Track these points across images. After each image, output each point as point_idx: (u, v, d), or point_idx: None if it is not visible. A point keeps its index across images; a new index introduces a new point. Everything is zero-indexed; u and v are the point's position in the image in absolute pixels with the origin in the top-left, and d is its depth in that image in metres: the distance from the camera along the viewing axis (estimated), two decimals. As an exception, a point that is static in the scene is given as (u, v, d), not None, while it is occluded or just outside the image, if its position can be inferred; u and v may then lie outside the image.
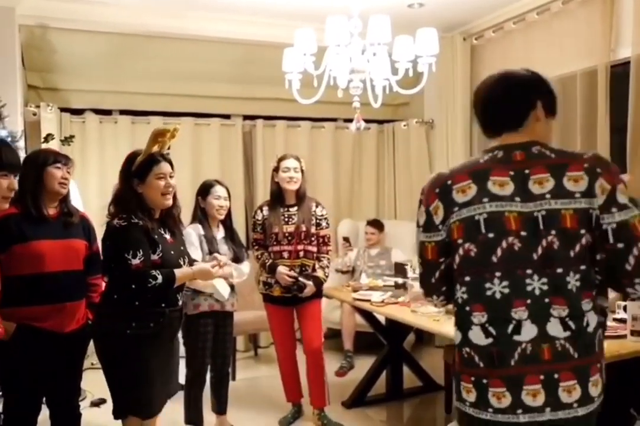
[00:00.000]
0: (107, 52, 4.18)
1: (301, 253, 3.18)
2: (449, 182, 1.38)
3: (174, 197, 2.27)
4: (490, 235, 1.30)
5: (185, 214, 4.49)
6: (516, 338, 1.29)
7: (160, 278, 2.05)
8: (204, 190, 3.03)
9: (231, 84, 4.66)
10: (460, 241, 1.34)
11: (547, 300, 1.29)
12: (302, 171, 3.18)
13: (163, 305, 2.14)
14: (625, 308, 2.32)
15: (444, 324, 2.68)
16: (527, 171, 1.33)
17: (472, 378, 1.32)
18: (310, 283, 3.14)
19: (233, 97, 4.72)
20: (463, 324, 1.35)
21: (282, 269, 3.12)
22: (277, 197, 3.22)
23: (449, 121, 4.60)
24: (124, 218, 2.10)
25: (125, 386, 2.11)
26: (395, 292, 3.36)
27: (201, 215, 3.01)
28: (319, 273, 3.19)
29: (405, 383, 3.70)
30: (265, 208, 3.25)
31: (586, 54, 3.51)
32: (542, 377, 1.29)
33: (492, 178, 1.33)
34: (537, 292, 1.29)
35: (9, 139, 2.93)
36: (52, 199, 2.26)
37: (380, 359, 3.63)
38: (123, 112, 4.48)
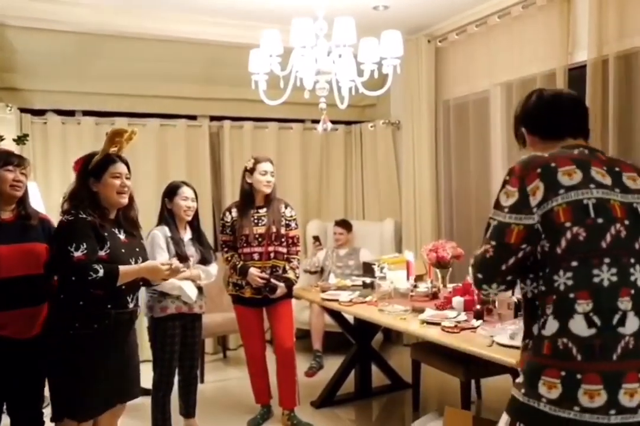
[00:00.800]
0: (69, 51, 4.10)
1: (272, 254, 3.18)
2: (553, 164, 1.32)
3: (131, 200, 2.30)
4: (600, 220, 1.27)
5: (151, 215, 4.47)
6: (620, 330, 1.23)
7: (101, 272, 2.04)
8: (171, 191, 3.01)
9: (197, 84, 4.62)
10: (568, 224, 1.26)
11: None
12: (273, 174, 3.21)
13: (109, 306, 2.12)
14: None
15: (410, 323, 2.72)
16: (617, 169, 1.38)
17: (563, 373, 1.22)
18: (281, 284, 3.15)
19: (199, 97, 4.68)
20: (563, 312, 1.24)
21: (253, 271, 3.12)
22: (248, 198, 3.21)
23: (415, 122, 4.66)
24: (72, 214, 2.12)
25: (63, 387, 2.09)
26: (363, 291, 3.39)
27: (168, 217, 2.99)
28: (290, 274, 3.20)
29: (374, 382, 3.74)
30: (234, 210, 3.24)
31: (545, 57, 3.60)
32: None
33: (594, 168, 1.34)
34: (639, 283, 1.27)
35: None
36: (7, 202, 2.22)
37: (349, 358, 3.66)
38: (86, 113, 4.40)
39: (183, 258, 2.94)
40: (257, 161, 3.19)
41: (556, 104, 1.48)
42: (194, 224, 3.07)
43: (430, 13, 4.19)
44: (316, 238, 4.31)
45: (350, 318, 3.60)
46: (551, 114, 1.48)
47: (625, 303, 1.24)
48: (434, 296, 3.10)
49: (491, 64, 4.02)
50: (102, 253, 2.11)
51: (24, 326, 2.17)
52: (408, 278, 3.31)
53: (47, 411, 2.48)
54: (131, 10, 3.92)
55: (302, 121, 5.10)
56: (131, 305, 2.23)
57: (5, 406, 2.27)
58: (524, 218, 1.30)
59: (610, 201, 1.30)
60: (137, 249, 2.29)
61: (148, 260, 2.33)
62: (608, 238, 1.27)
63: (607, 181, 1.34)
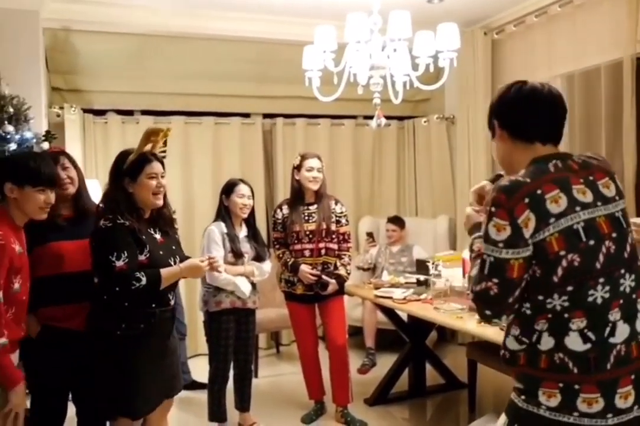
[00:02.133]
0: (127, 53, 4.23)
1: (323, 251, 3.18)
2: (539, 192, 1.28)
3: (165, 197, 2.25)
4: (591, 242, 1.28)
5: (207, 211, 4.57)
6: (612, 340, 1.28)
7: (144, 280, 2.02)
8: (228, 189, 3.05)
9: (251, 82, 4.67)
10: (562, 252, 1.26)
11: (634, 296, 1.32)
12: (322, 171, 3.20)
13: (153, 305, 2.11)
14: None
15: (467, 322, 2.67)
16: (591, 178, 1.35)
17: (560, 384, 1.27)
18: (333, 281, 3.15)
19: (253, 95, 4.73)
20: (558, 330, 1.28)
21: (304, 268, 3.13)
22: (298, 195, 3.22)
23: (470, 117, 4.56)
24: (109, 219, 2.07)
25: (115, 387, 2.09)
26: (417, 289, 3.34)
27: (225, 213, 3.03)
28: (341, 271, 3.19)
29: (428, 381, 3.68)
30: (284, 207, 3.26)
31: (610, 46, 3.44)
32: (632, 377, 1.29)
33: (574, 187, 1.31)
34: (627, 290, 1.31)
35: (34, 141, 2.97)
36: (61, 199, 2.23)
37: (403, 356, 3.62)
38: (145, 112, 4.52)
39: (238, 254, 2.98)
40: (303, 158, 3.20)
41: (532, 102, 1.38)
42: (250, 221, 3.09)
43: (486, 4, 4.09)
44: (370, 235, 4.28)
45: (403, 316, 3.56)
46: (525, 113, 1.38)
47: (614, 314, 1.28)
48: (491, 294, 3.02)
49: (551, 55, 3.88)
50: (142, 257, 2.08)
51: (85, 318, 2.24)
52: (464, 276, 3.24)
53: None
54: (186, 11, 4.00)
55: (354, 117, 5.07)
56: (172, 302, 2.22)
57: (71, 396, 2.35)
58: (521, 251, 1.27)
59: (596, 219, 1.30)
60: (174, 248, 2.26)
61: (185, 258, 2.30)
62: (601, 258, 1.28)
63: (589, 197, 1.31)
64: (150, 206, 2.19)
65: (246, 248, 3.03)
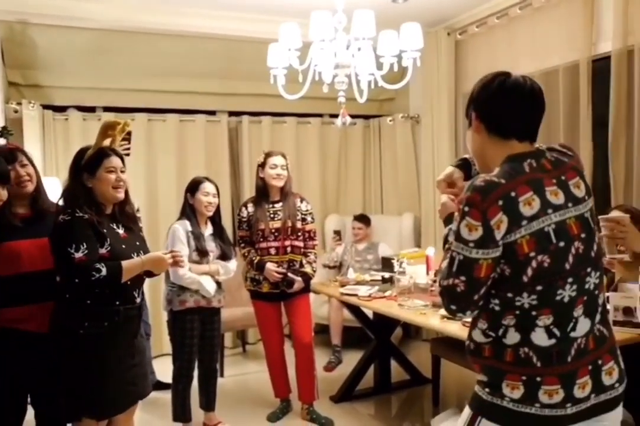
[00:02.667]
0: (89, 48, 4.13)
1: (288, 249, 3.18)
2: (513, 194, 1.28)
3: (127, 194, 2.23)
4: (561, 244, 1.31)
5: (171, 209, 4.50)
6: (573, 334, 1.32)
7: (104, 271, 1.99)
8: (193, 187, 3.02)
9: (216, 80, 4.63)
10: (532, 254, 1.28)
11: (596, 292, 1.37)
12: (287, 168, 3.19)
13: (117, 303, 2.09)
14: (608, 299, 2.35)
15: (430, 318, 2.70)
16: (563, 177, 1.36)
17: (524, 377, 1.31)
18: (299, 278, 3.15)
19: (218, 93, 4.69)
20: (525, 327, 1.31)
21: (270, 266, 3.12)
22: (262, 193, 3.22)
23: (435, 116, 4.62)
24: (68, 213, 2.06)
25: (79, 387, 2.06)
26: (382, 286, 3.37)
27: (189, 211, 3.01)
28: (307, 269, 3.20)
29: (393, 377, 3.72)
30: (250, 205, 3.25)
31: (568, 48, 3.53)
32: (590, 367, 1.33)
33: (547, 188, 1.33)
34: (591, 287, 1.35)
35: (2, 135, 2.89)
36: (19, 197, 2.20)
37: (368, 353, 3.65)
38: (107, 109, 4.44)
39: (203, 252, 2.95)
40: (267, 156, 3.21)
41: (514, 98, 1.37)
42: (216, 219, 3.08)
43: (449, 5, 4.14)
44: (337, 233, 4.30)
45: (369, 313, 3.59)
46: (504, 109, 1.37)
47: (578, 311, 1.33)
48: (454, 291, 3.07)
49: (512, 56, 3.96)
50: (103, 251, 2.06)
51: (46, 319, 2.19)
52: (428, 273, 3.29)
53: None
54: (150, 6, 3.94)
55: (320, 115, 5.09)
56: (138, 299, 2.19)
57: (30, 399, 2.30)
58: (491, 252, 1.29)
59: (566, 221, 1.32)
60: (138, 243, 2.24)
61: (148, 250, 2.28)
62: (570, 259, 1.31)
63: (561, 199, 1.33)
64: (110, 200, 2.18)
65: (211, 246, 3.01)
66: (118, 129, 2.21)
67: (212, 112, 4.79)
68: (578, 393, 1.31)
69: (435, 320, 2.66)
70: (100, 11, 3.85)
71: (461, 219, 1.31)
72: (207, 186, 3.01)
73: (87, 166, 2.14)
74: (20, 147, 2.54)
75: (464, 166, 1.66)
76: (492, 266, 1.30)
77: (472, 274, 1.29)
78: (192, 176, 4.73)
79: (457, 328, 2.50)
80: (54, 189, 3.39)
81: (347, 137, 5.22)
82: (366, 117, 5.25)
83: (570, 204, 1.34)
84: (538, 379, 1.30)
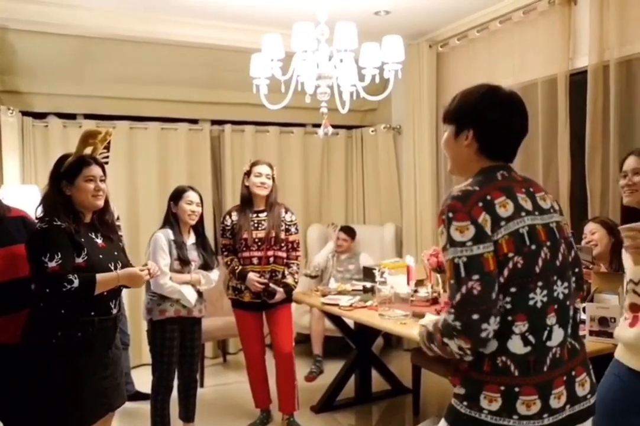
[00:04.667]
0: (70, 55, 4.11)
1: (271, 259, 3.18)
2: (488, 197, 1.33)
3: (107, 203, 2.22)
4: (533, 247, 1.34)
5: (153, 218, 4.47)
6: (548, 343, 1.34)
7: (76, 282, 1.96)
8: (177, 195, 3.01)
9: (199, 88, 4.63)
10: (510, 254, 1.31)
11: (567, 303, 1.39)
12: (273, 178, 3.20)
13: (92, 313, 2.06)
14: (584, 310, 2.39)
15: (411, 328, 2.71)
16: (531, 189, 1.42)
17: (502, 388, 1.31)
18: (280, 289, 3.15)
19: (201, 101, 4.68)
20: (502, 333, 1.31)
21: (252, 276, 3.12)
22: (247, 201, 3.22)
23: (416, 127, 4.67)
24: (45, 221, 2.04)
25: (51, 399, 2.02)
26: (363, 296, 3.37)
27: (172, 220, 2.99)
28: (289, 280, 3.20)
29: (374, 387, 3.73)
30: (234, 213, 3.25)
31: (547, 63, 3.61)
32: (564, 378, 1.35)
33: (518, 195, 1.37)
34: (560, 296, 1.38)
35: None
36: None
37: (349, 363, 3.65)
38: (88, 116, 4.40)
39: (184, 262, 2.94)
40: (253, 164, 3.22)
41: (518, 132, 1.43)
42: (198, 229, 3.06)
43: (431, 18, 4.20)
44: (333, 224, 4.29)
45: (350, 323, 3.59)
46: (505, 141, 1.43)
47: (551, 319, 1.35)
48: (434, 301, 3.10)
49: (492, 69, 4.03)
50: (79, 260, 2.04)
51: (18, 330, 2.14)
52: (408, 283, 3.30)
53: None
54: (132, 13, 3.93)
55: (303, 125, 5.10)
56: (114, 311, 2.15)
57: None
58: (489, 246, 1.30)
59: (536, 226, 1.36)
60: (116, 253, 2.22)
61: (128, 264, 2.26)
62: (540, 262, 1.34)
63: (529, 205, 1.38)
64: (89, 208, 2.16)
65: (193, 255, 2.99)
66: (99, 138, 2.19)
67: (194, 121, 4.78)
68: (554, 403, 1.32)
69: (416, 330, 2.66)
70: (81, 18, 3.82)
71: (448, 226, 1.32)
72: (191, 195, 3.00)
73: (66, 174, 2.12)
74: None
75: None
76: (495, 259, 1.30)
77: (482, 269, 1.28)
78: (173, 185, 4.68)
79: (437, 338, 2.51)
80: (32, 197, 3.37)
81: (329, 147, 5.24)
82: (348, 127, 5.28)
83: (537, 213, 1.39)
84: (516, 389, 1.30)
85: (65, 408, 2.03)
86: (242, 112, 4.75)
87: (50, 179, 2.16)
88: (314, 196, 5.19)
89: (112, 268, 2.13)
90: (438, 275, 3.30)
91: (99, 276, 2.04)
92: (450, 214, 1.32)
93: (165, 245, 2.90)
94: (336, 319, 3.56)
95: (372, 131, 5.17)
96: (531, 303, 1.33)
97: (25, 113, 4.13)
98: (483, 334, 1.27)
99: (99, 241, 2.17)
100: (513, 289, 1.32)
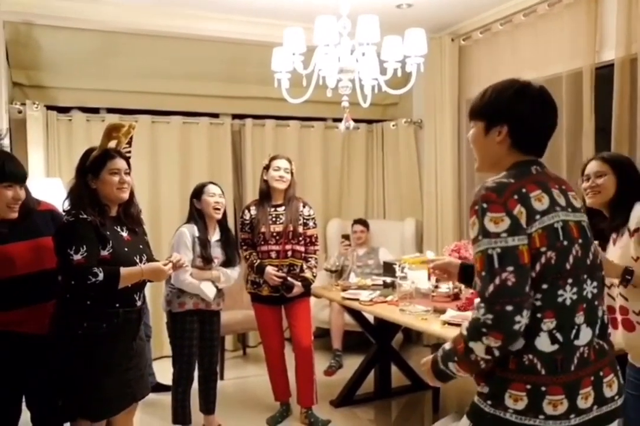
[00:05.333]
0: (94, 49, 4.15)
1: (289, 253, 3.18)
2: (524, 190, 1.31)
3: (132, 196, 2.23)
4: (565, 243, 1.32)
5: (174, 211, 4.51)
6: (576, 342, 1.32)
7: (101, 276, 1.98)
8: (198, 191, 3.02)
9: (220, 82, 4.64)
10: (543, 249, 1.29)
11: (596, 303, 1.37)
12: (292, 173, 3.20)
13: (117, 305, 2.09)
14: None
15: (431, 323, 2.70)
16: (564, 187, 1.41)
17: (528, 386, 1.29)
18: (298, 283, 3.15)
19: (222, 96, 4.70)
20: (530, 331, 1.28)
21: (270, 269, 3.13)
22: (266, 195, 3.23)
23: (438, 121, 4.62)
24: (72, 214, 2.07)
25: (75, 387, 2.06)
26: (384, 291, 3.37)
27: (197, 216, 2.99)
28: (307, 274, 3.20)
29: (394, 382, 3.72)
30: (252, 208, 3.26)
31: (572, 56, 3.54)
32: (592, 378, 1.33)
33: (553, 190, 1.36)
34: (589, 296, 1.35)
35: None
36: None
37: (369, 358, 3.64)
38: (111, 110, 4.45)
39: (207, 260, 2.94)
40: (272, 158, 3.22)
41: (551, 126, 1.43)
42: (224, 224, 3.06)
43: (454, 11, 4.16)
44: (346, 237, 4.30)
45: (370, 318, 3.58)
46: (540, 136, 1.43)
47: (579, 317, 1.33)
48: (455, 297, 3.07)
49: (515, 62, 3.97)
50: (104, 253, 2.06)
51: (44, 320, 2.19)
52: (429, 278, 3.28)
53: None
54: (155, 8, 3.95)
55: (323, 119, 5.09)
56: (139, 303, 2.18)
57: (25, 402, 2.29)
58: (524, 238, 1.28)
59: (569, 222, 1.35)
60: (141, 246, 2.24)
61: (152, 257, 2.27)
62: (571, 259, 1.32)
63: (563, 201, 1.37)
64: (115, 201, 2.18)
65: (217, 252, 3.00)
66: (123, 131, 2.20)
67: (215, 115, 4.80)
68: (581, 403, 1.30)
69: (437, 326, 2.65)
70: (105, 13, 3.86)
71: (482, 217, 1.29)
72: (212, 188, 3.01)
73: (91, 167, 2.14)
74: (2, 149, 2.53)
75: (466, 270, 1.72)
76: (530, 252, 1.28)
77: (517, 261, 1.26)
78: (195, 178, 4.73)
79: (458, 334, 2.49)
80: (56, 190, 3.42)
81: (349, 141, 5.22)
82: (369, 121, 5.26)
83: (570, 209, 1.38)
84: (543, 388, 1.28)
85: (90, 398, 2.06)
86: (262, 106, 4.76)
87: (76, 173, 2.18)
88: (334, 191, 5.18)
89: (137, 260, 2.15)
90: (459, 271, 3.27)
91: (123, 270, 2.06)
92: (485, 205, 1.29)
93: (189, 241, 2.91)
94: (356, 314, 3.56)
95: (393, 125, 5.14)
96: (560, 300, 1.30)
97: (49, 107, 4.18)
98: (516, 327, 1.24)
99: (124, 234, 2.19)
100: (544, 286, 1.30)
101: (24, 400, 2.26)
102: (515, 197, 1.30)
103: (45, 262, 2.18)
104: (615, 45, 3.27)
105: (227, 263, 3.03)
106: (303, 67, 2.91)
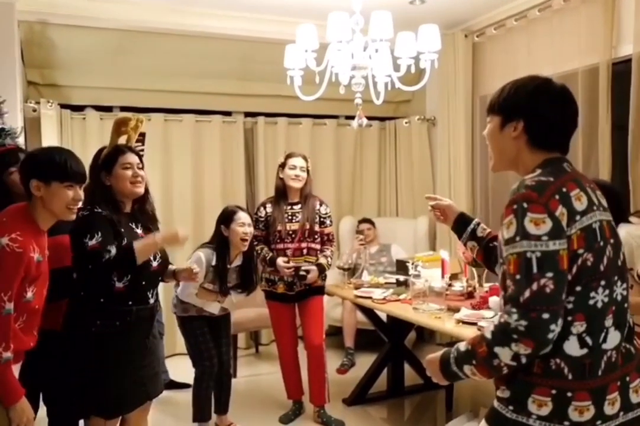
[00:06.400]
0: (107, 48, 4.17)
1: (304, 251, 3.17)
2: (564, 189, 1.26)
3: (147, 192, 2.22)
4: (601, 243, 1.28)
5: (187, 210, 4.51)
6: (604, 346, 1.27)
7: (113, 250, 1.99)
8: (227, 217, 2.92)
9: (233, 80, 4.65)
10: (580, 250, 1.24)
11: (625, 305, 1.33)
12: (307, 171, 3.18)
13: (130, 303, 2.09)
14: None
15: (445, 322, 2.68)
16: (592, 185, 1.37)
17: (553, 391, 1.24)
18: (313, 267, 3.11)
19: (234, 94, 4.70)
20: (560, 334, 1.23)
21: (280, 261, 3.10)
22: (281, 193, 3.21)
23: (451, 118, 4.59)
24: (87, 209, 2.07)
25: (89, 385, 2.06)
26: (397, 289, 3.35)
27: (222, 244, 2.91)
28: (322, 260, 3.17)
29: (406, 381, 3.70)
30: (268, 205, 3.24)
31: (588, 51, 3.49)
32: (618, 383, 1.29)
33: (587, 187, 1.32)
34: (619, 298, 1.31)
35: (8, 136, 2.90)
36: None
37: (382, 356, 3.63)
38: (124, 108, 4.46)
39: (223, 292, 2.91)
40: (288, 156, 3.19)
41: (571, 122, 1.37)
42: (248, 253, 3.00)
43: (467, 7, 4.12)
44: (360, 232, 4.28)
45: (383, 316, 3.57)
46: (560, 132, 1.37)
47: (609, 320, 1.28)
48: (469, 295, 3.05)
49: (530, 58, 3.93)
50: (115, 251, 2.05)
51: (58, 317, 2.19)
52: (443, 277, 3.26)
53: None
54: (168, 7, 3.96)
55: (336, 116, 5.08)
56: (152, 300, 2.18)
57: (42, 397, 2.31)
58: (564, 242, 1.23)
59: (603, 222, 1.31)
60: None
61: (167, 255, 2.26)
62: (605, 260, 1.28)
63: (596, 199, 1.33)
64: (130, 196, 2.17)
65: (232, 277, 2.97)
66: (131, 125, 2.20)
67: (228, 113, 4.80)
68: (608, 409, 1.26)
69: (451, 324, 2.63)
70: (118, 12, 3.88)
71: (522, 217, 1.23)
72: (242, 216, 2.92)
73: (104, 164, 2.15)
74: (21, 148, 2.54)
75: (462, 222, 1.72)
76: (568, 259, 1.22)
77: (557, 267, 1.21)
78: (207, 176, 4.74)
79: (473, 333, 2.47)
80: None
81: (362, 138, 5.20)
82: (382, 119, 5.23)
83: (601, 208, 1.33)
84: (569, 394, 1.24)
85: (104, 396, 2.07)
86: (275, 104, 4.76)
87: (90, 172, 2.17)
88: (346, 189, 5.16)
89: (152, 258, 2.15)
90: (474, 269, 3.25)
91: (137, 243, 2.05)
92: (525, 205, 1.23)
93: (203, 269, 2.80)
94: (369, 312, 3.54)
95: (406, 123, 5.11)
96: (591, 302, 1.26)
97: (63, 106, 4.21)
98: (550, 336, 1.20)
99: (139, 231, 2.19)
100: (578, 288, 1.25)
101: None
102: (557, 197, 1.25)
103: (63, 260, 2.19)
104: (633, 40, 3.22)
105: (240, 287, 3.00)
106: (316, 64, 2.90)
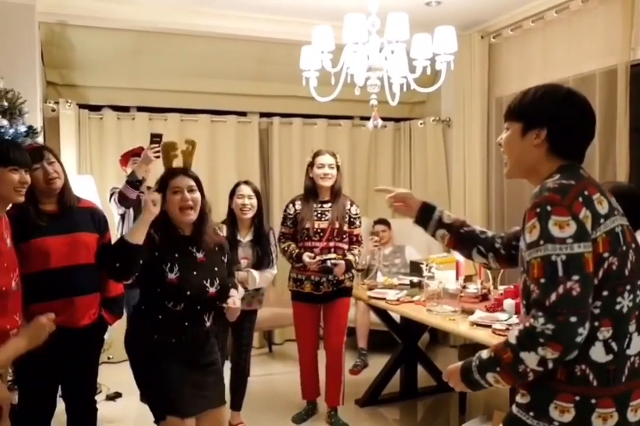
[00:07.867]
0: (125, 49, 4.21)
1: (332, 250, 3.15)
2: (586, 192, 1.25)
3: (204, 214, 2.15)
4: (624, 248, 1.26)
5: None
6: (628, 352, 1.26)
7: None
8: (232, 191, 3.06)
9: (248, 81, 4.67)
10: (606, 254, 1.23)
11: None
12: (337, 167, 3.16)
13: (186, 324, 2.09)
14: None
15: (459, 324, 2.68)
16: (607, 192, 1.36)
17: (577, 398, 1.23)
18: (341, 261, 3.09)
19: (250, 94, 4.72)
20: (586, 340, 1.21)
21: (305, 257, 3.09)
22: (311, 192, 3.20)
23: (466, 120, 4.57)
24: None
25: (153, 390, 2.10)
26: (411, 291, 3.35)
27: (230, 217, 3.03)
28: (350, 257, 3.15)
29: (420, 383, 3.69)
30: (298, 202, 3.23)
31: (606, 53, 3.46)
32: None
33: (606, 193, 1.32)
34: None
35: (28, 135, 2.95)
36: (46, 194, 2.23)
37: (395, 358, 3.62)
38: (140, 108, 4.51)
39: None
40: (316, 155, 3.18)
41: (591, 132, 1.37)
42: (256, 223, 3.05)
43: (484, 9, 4.10)
44: (375, 234, 4.27)
45: (396, 317, 3.56)
46: (582, 142, 1.37)
47: (632, 326, 1.27)
48: (483, 297, 3.04)
49: (547, 60, 3.90)
50: (172, 276, 2.04)
51: (74, 314, 2.23)
52: (457, 278, 3.25)
53: (98, 398, 2.57)
54: (184, 8, 3.99)
55: (351, 117, 5.08)
56: (208, 323, 2.16)
57: (60, 392, 2.35)
58: (589, 245, 1.21)
59: (624, 226, 1.29)
60: (216, 269, 2.16)
61: (225, 279, 2.23)
62: (629, 264, 1.27)
63: (615, 204, 1.31)
64: (181, 222, 2.13)
65: (247, 253, 2.99)
66: (183, 148, 2.15)
67: (243, 113, 4.82)
68: (631, 416, 1.24)
69: (465, 326, 2.63)
70: (135, 13, 3.92)
71: (546, 220, 1.22)
72: (242, 188, 3.02)
73: (158, 189, 2.11)
74: (46, 146, 2.59)
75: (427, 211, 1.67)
76: (594, 261, 1.22)
77: (583, 270, 1.19)
78: (222, 176, 4.76)
79: (486, 335, 2.47)
80: (87, 187, 3.47)
81: (377, 139, 5.20)
82: (397, 120, 5.22)
83: (620, 214, 1.32)
84: (593, 401, 1.22)
85: (169, 395, 2.06)
86: (290, 104, 4.77)
87: None
88: (360, 189, 5.16)
89: (208, 284, 2.11)
90: (488, 271, 3.24)
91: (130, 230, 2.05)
92: (548, 208, 1.22)
93: None
94: (382, 313, 3.54)
95: (421, 124, 5.10)
96: (618, 307, 1.25)
97: (81, 106, 4.26)
98: (578, 339, 1.18)
99: (200, 255, 2.15)
100: (605, 293, 1.24)
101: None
102: (580, 199, 1.23)
103: (79, 257, 2.23)
104: (652, 42, 3.19)
105: (258, 264, 3.02)
106: (331, 66, 2.91)
